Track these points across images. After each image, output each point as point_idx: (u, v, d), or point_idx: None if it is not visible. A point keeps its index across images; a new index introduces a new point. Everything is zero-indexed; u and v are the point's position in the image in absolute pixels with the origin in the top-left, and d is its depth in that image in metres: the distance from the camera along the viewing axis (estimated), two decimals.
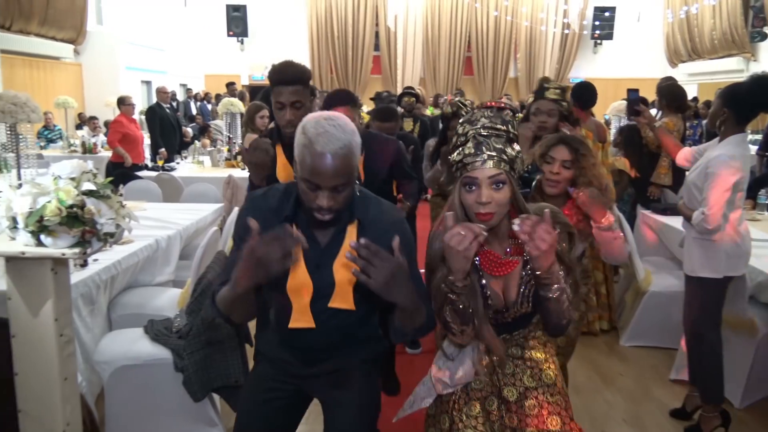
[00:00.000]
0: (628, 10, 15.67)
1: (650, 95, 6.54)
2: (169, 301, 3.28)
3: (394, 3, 15.98)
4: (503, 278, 1.65)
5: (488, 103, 1.62)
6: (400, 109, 6.35)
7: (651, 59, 15.98)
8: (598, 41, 16.51)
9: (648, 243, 4.45)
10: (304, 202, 1.54)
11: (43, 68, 11.27)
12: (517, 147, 1.56)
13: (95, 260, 3.00)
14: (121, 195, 1.79)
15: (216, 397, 2.81)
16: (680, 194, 3.02)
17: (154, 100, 8.41)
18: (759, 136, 7.71)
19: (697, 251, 2.84)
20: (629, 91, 3.46)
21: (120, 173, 6.23)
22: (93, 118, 10.11)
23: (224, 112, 7.93)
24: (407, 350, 3.86)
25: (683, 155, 3.12)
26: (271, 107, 2.49)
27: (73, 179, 1.66)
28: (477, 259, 1.62)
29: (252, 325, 2.57)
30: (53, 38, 11.41)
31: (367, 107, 9.91)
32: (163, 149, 7.41)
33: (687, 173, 3.00)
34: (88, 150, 8.55)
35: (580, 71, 16.14)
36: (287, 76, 2.32)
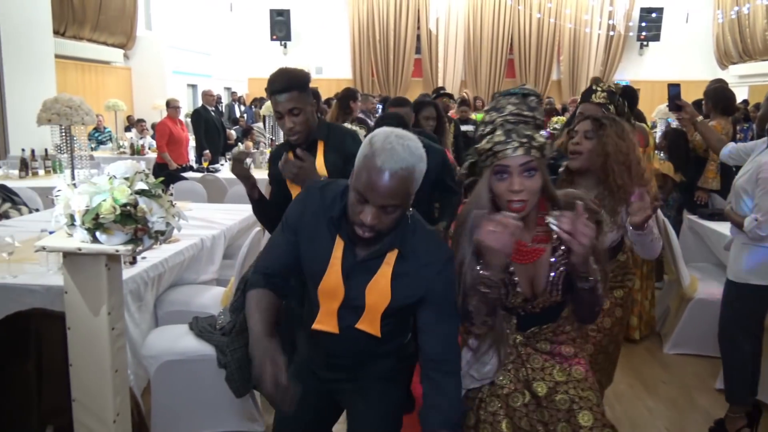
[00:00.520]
0: (676, 10, 15.30)
1: (699, 98, 6.38)
2: (213, 298, 3.36)
3: (435, 6, 15.98)
4: (531, 266, 1.62)
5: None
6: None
7: (700, 61, 15.56)
8: (645, 43, 16.15)
9: (694, 249, 4.34)
10: (349, 214, 1.50)
11: (94, 72, 11.65)
12: (544, 134, 1.52)
13: (143, 258, 3.10)
14: (171, 195, 1.85)
15: (257, 393, 2.87)
16: (729, 199, 2.96)
17: (200, 103, 8.60)
18: None
19: (745, 257, 2.77)
20: (670, 86, 3.37)
21: (166, 174, 6.41)
22: (141, 120, 10.39)
23: (267, 114, 8.06)
24: None
25: (727, 151, 3.07)
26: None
27: (126, 179, 1.73)
28: None
29: None
30: (104, 43, 11.79)
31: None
32: (207, 151, 7.59)
33: (735, 178, 2.93)
34: (136, 151, 8.80)
35: (626, 73, 15.83)
36: (280, 84, 2.22)
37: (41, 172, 6.41)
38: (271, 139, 8.41)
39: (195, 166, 7.44)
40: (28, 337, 2.27)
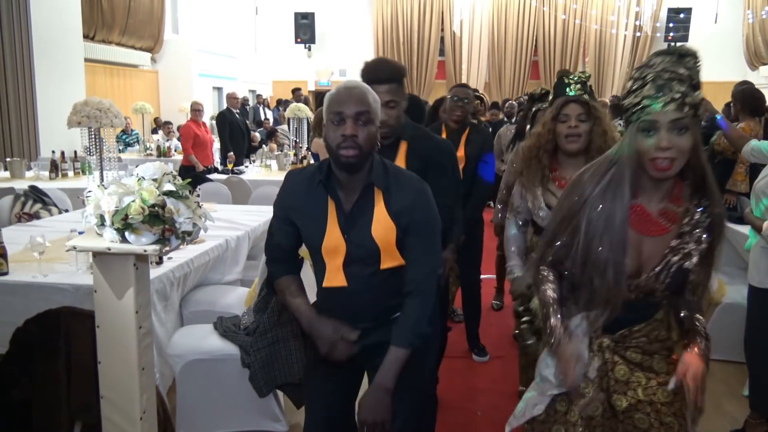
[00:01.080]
0: (705, 10, 15.06)
1: (728, 100, 6.27)
2: (237, 299, 3.40)
3: (459, 7, 15.94)
4: (648, 240, 1.51)
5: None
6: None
7: (729, 62, 15.24)
8: (672, 43, 15.90)
9: (722, 252, 4.26)
10: (331, 147, 1.66)
11: (122, 75, 11.85)
12: (700, 95, 1.39)
13: (169, 258, 3.14)
14: (198, 196, 1.88)
15: (280, 393, 2.89)
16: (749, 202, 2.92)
17: (225, 105, 8.69)
18: None
19: (765, 261, 2.72)
20: None
21: (192, 175, 6.49)
22: (167, 122, 10.53)
23: (291, 116, 8.12)
24: (474, 357, 3.73)
25: (749, 149, 3.04)
26: None
27: (154, 180, 1.76)
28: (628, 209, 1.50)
29: None
30: (132, 47, 12.00)
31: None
32: (231, 153, 7.67)
33: (755, 182, 2.88)
34: (162, 153, 8.91)
35: None
36: (381, 74, 2.14)
37: (71, 173, 6.54)
38: (295, 141, 8.47)
39: (220, 168, 7.53)
40: (57, 335, 2.31)
